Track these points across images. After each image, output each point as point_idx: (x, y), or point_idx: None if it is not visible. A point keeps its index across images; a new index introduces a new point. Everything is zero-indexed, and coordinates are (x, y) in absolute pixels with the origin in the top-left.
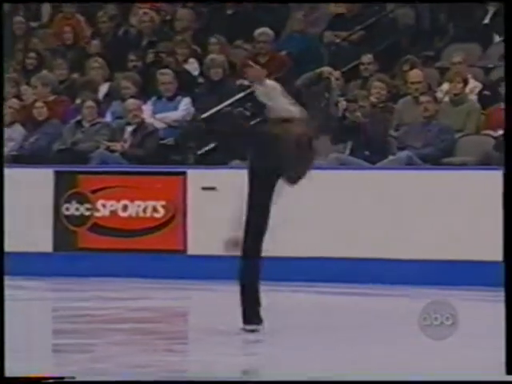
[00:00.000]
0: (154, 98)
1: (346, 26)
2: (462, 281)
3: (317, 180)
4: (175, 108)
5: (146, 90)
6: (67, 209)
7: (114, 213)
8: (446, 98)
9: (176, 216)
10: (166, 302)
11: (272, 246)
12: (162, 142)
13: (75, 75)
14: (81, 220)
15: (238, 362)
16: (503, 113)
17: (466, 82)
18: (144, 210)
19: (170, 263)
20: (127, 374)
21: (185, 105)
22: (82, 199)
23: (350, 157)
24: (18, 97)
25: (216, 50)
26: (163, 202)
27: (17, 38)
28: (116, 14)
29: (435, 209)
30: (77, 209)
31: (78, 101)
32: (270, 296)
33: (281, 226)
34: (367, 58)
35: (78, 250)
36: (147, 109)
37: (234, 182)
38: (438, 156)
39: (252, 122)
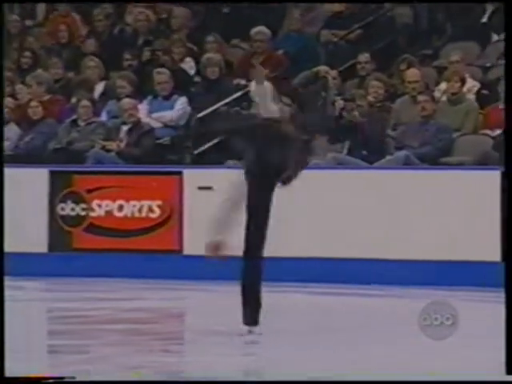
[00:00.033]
0: (149, 97)
1: (343, 24)
2: (460, 281)
3: (314, 180)
4: (171, 107)
5: (142, 89)
6: (62, 209)
7: (109, 213)
8: (444, 98)
9: (172, 216)
10: (162, 303)
11: (269, 246)
12: (157, 141)
13: (70, 74)
14: (76, 220)
15: (236, 363)
16: (501, 112)
17: (463, 82)
18: (140, 210)
19: (165, 263)
20: (124, 375)
21: (181, 104)
22: (77, 199)
23: (347, 156)
24: (13, 96)
25: (212, 49)
26: (159, 202)
27: (12, 36)
28: (111, 13)
29: (433, 208)
30: (72, 209)
31: (73, 100)
32: (268, 297)
33: (276, 227)
34: (364, 57)
35: (73, 251)
36: (143, 108)
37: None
38: (436, 156)
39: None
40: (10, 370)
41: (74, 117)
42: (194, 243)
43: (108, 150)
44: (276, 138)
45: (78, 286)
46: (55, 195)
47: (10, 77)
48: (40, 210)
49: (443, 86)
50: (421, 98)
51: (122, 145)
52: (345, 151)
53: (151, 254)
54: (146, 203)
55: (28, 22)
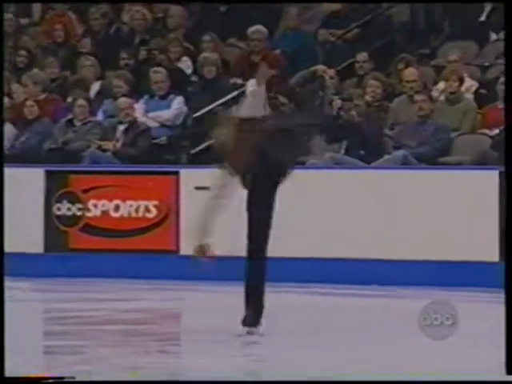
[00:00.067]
0: (146, 97)
1: (340, 23)
2: (458, 281)
3: (312, 180)
4: (168, 107)
5: (138, 88)
6: (58, 209)
7: (105, 213)
8: (442, 97)
9: (168, 216)
10: (159, 303)
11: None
12: (154, 141)
13: (66, 73)
14: (72, 220)
15: (234, 364)
16: (500, 112)
17: (461, 81)
18: (136, 210)
19: (162, 264)
20: (121, 375)
21: (177, 103)
22: (73, 199)
23: (345, 156)
24: (9, 95)
25: (209, 48)
26: (155, 202)
27: (7, 35)
28: (108, 12)
29: (431, 208)
30: (68, 209)
31: (69, 99)
32: (267, 297)
33: (273, 227)
34: (362, 56)
35: (69, 251)
36: (139, 107)
37: (227, 181)
38: (434, 155)
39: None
40: (10, 370)
41: (70, 116)
42: (191, 243)
43: (104, 150)
44: (278, 137)
45: (73, 286)
46: (51, 195)
47: (5, 76)
48: (36, 210)
49: (441, 85)
50: (418, 97)
51: (119, 144)
52: (342, 151)
53: (148, 254)
54: (142, 203)
55: (23, 21)
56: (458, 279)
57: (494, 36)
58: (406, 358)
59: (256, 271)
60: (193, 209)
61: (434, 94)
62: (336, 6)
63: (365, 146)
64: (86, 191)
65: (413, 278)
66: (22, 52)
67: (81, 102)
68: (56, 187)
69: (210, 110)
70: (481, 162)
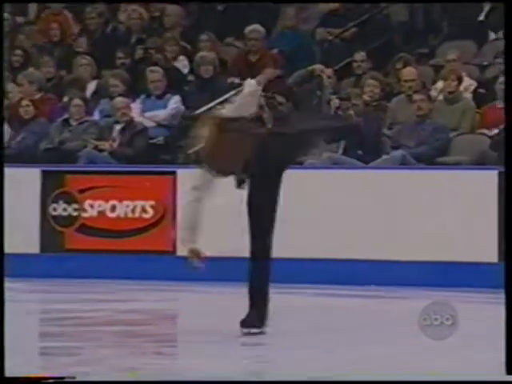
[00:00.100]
0: (142, 96)
1: (338, 23)
2: (456, 282)
3: (309, 180)
4: (164, 106)
5: (135, 87)
6: (54, 209)
7: (102, 213)
8: (441, 97)
9: (165, 216)
10: (155, 304)
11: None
12: (151, 141)
13: (62, 73)
14: (68, 220)
15: (234, 364)
16: (498, 111)
17: (460, 80)
18: (133, 211)
19: (158, 264)
20: (119, 375)
21: (174, 103)
22: (69, 199)
23: (343, 156)
24: (4, 95)
25: (206, 48)
26: (152, 202)
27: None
28: (104, 11)
29: (429, 209)
30: (64, 209)
31: (65, 99)
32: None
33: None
34: (360, 55)
35: (65, 251)
36: (136, 107)
37: (225, 181)
38: (433, 155)
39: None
40: (10, 370)
41: (66, 116)
42: (182, 247)
43: (100, 150)
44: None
45: (70, 287)
46: (47, 195)
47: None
48: (32, 210)
49: (440, 84)
50: (417, 97)
51: (115, 144)
52: (340, 151)
53: (144, 254)
54: (139, 203)
55: (19, 20)
56: (457, 279)
57: (492, 35)
58: (405, 358)
59: (259, 272)
60: None
61: (433, 93)
62: (334, 5)
63: (363, 145)
64: (82, 191)
65: (410, 279)
66: (18, 51)
67: (77, 101)
68: (52, 187)
69: (208, 109)
70: (479, 162)
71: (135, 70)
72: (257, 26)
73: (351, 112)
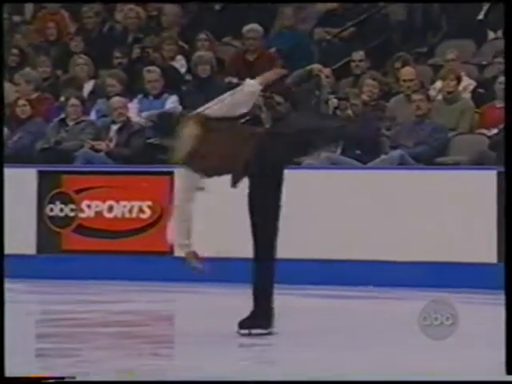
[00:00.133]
0: (139, 96)
1: (336, 22)
2: (456, 282)
3: (308, 180)
4: (162, 106)
5: (132, 87)
6: (51, 209)
7: (99, 213)
8: (439, 96)
9: (163, 217)
10: (152, 305)
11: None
12: (148, 140)
13: (59, 72)
14: (65, 221)
15: (234, 364)
16: (498, 111)
17: (459, 80)
18: (130, 211)
19: (156, 265)
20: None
21: (172, 103)
22: (66, 200)
23: (341, 156)
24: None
25: (204, 47)
26: (149, 203)
27: None
28: (101, 10)
29: (428, 209)
30: (61, 209)
31: (61, 98)
32: None
33: None
34: (358, 55)
35: (62, 252)
36: (133, 107)
37: (223, 182)
38: (431, 155)
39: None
40: (10, 370)
41: (63, 116)
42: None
43: (97, 150)
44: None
45: (66, 288)
46: (44, 196)
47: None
48: (28, 210)
49: (439, 84)
50: (415, 96)
51: (112, 144)
52: (338, 151)
53: (141, 255)
54: (136, 204)
55: (16, 19)
56: (456, 280)
57: (491, 35)
58: (405, 358)
59: (263, 273)
60: None
61: (432, 93)
62: (332, 5)
63: (361, 145)
64: (79, 192)
65: (409, 279)
66: (14, 50)
67: (73, 101)
68: (49, 188)
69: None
70: (478, 162)
71: (132, 70)
72: (255, 26)
73: (350, 112)
